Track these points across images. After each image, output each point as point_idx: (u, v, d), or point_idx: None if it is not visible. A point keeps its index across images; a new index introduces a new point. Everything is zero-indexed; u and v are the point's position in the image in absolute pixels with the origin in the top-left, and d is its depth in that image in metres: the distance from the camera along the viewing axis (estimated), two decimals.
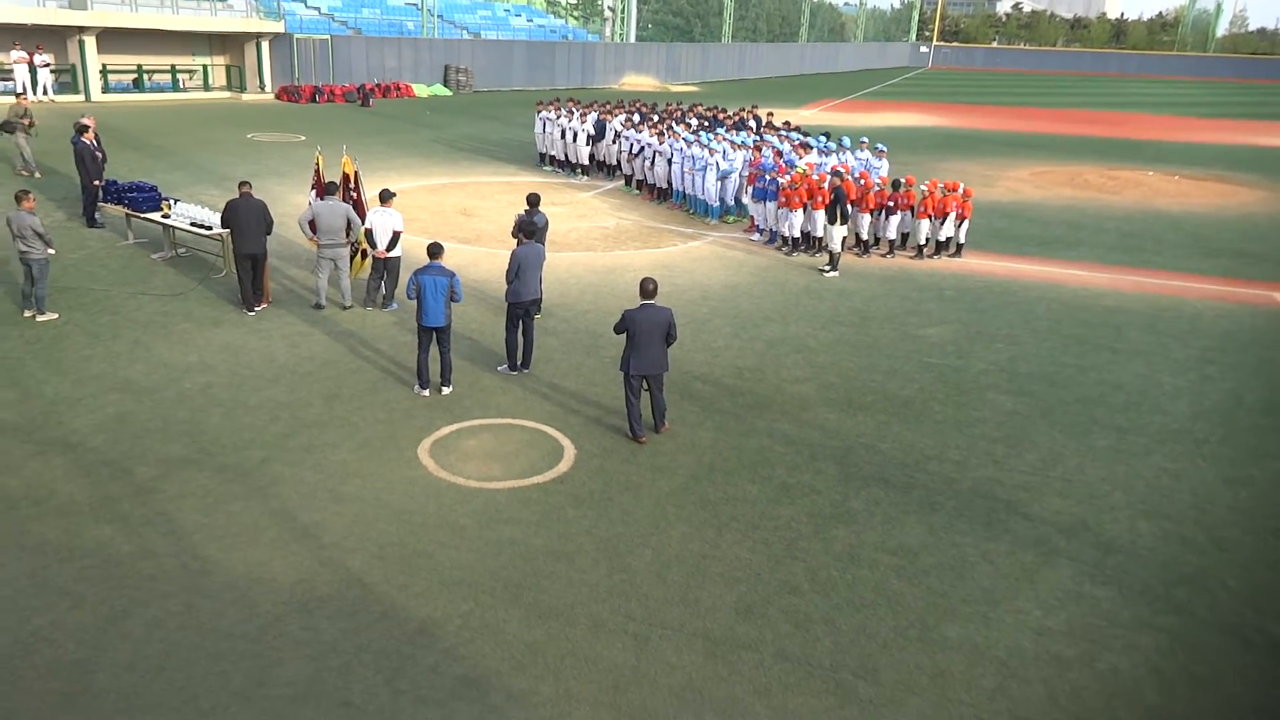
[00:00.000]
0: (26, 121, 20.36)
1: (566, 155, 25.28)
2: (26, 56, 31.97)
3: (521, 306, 11.30)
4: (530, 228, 11.82)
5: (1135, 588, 7.67)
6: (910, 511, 8.71)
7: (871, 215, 17.92)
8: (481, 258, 16.08)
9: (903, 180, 18.01)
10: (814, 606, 7.22)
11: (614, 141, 24.31)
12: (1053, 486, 9.31)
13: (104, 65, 34.96)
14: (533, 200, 13.38)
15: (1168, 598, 7.55)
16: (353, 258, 13.80)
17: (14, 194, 12.46)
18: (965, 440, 10.28)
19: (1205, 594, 7.63)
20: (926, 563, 7.89)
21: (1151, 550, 8.23)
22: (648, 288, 9.68)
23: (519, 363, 11.51)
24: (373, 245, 13.21)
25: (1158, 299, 16.13)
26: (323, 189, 13.75)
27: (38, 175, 20.47)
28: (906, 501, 8.90)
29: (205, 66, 39.41)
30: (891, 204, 17.79)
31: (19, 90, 31.17)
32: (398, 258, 13.42)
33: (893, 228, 18.01)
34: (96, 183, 16.70)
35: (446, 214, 19.87)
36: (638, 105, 27.46)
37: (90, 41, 33.76)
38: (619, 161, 24.07)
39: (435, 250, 10.65)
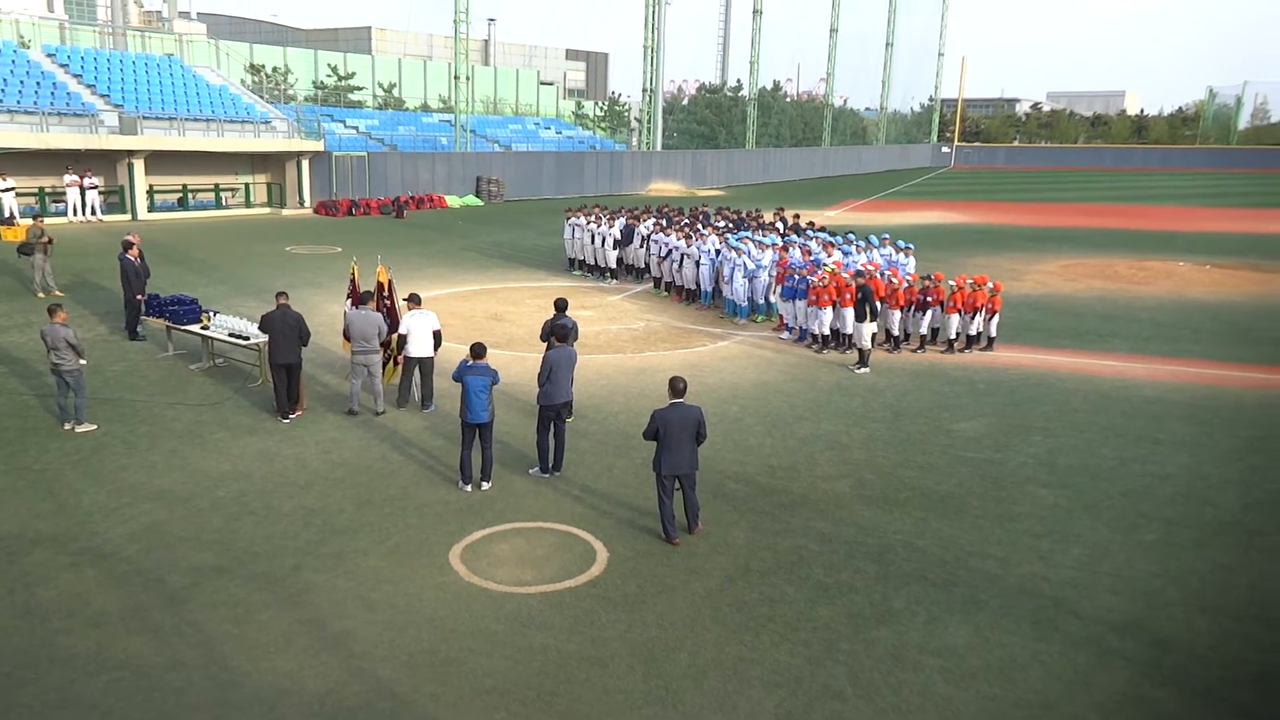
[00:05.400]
0: (45, 240, 20.75)
1: (595, 260, 25.73)
2: (78, 179, 33.37)
3: (553, 409, 11.33)
4: (562, 331, 11.95)
5: (1196, 689, 7.31)
6: (954, 610, 8.44)
7: (902, 311, 17.95)
8: (512, 361, 16.21)
9: (932, 276, 18.09)
10: (857, 712, 6.94)
11: (642, 245, 24.73)
12: (1102, 583, 9.00)
13: (151, 186, 36.31)
14: (560, 305, 13.58)
15: (1231, 699, 7.19)
16: (385, 364, 13.99)
17: (47, 308, 12.86)
18: (1007, 535, 10.02)
19: (1272, 694, 7.25)
20: (974, 664, 7.60)
21: (1211, 649, 7.88)
22: (678, 386, 9.69)
23: (550, 465, 11.47)
24: (400, 349, 13.46)
25: (1197, 389, 15.86)
26: (358, 298, 14.05)
27: (57, 293, 20.78)
28: (949, 600, 8.63)
29: (247, 184, 40.82)
30: (922, 299, 17.84)
31: (55, 212, 32.60)
32: (431, 358, 13.62)
33: (923, 323, 18.01)
34: (139, 297, 17.15)
35: (477, 319, 20.15)
36: (665, 209, 28.01)
37: (139, 164, 35.19)
38: (647, 264, 24.45)
39: (479, 350, 10.87)
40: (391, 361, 14.16)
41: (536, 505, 10.60)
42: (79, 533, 9.65)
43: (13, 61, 36.09)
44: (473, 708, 6.91)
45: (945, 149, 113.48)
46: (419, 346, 13.45)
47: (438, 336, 13.53)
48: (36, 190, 33.35)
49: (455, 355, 16.03)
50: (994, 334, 18.27)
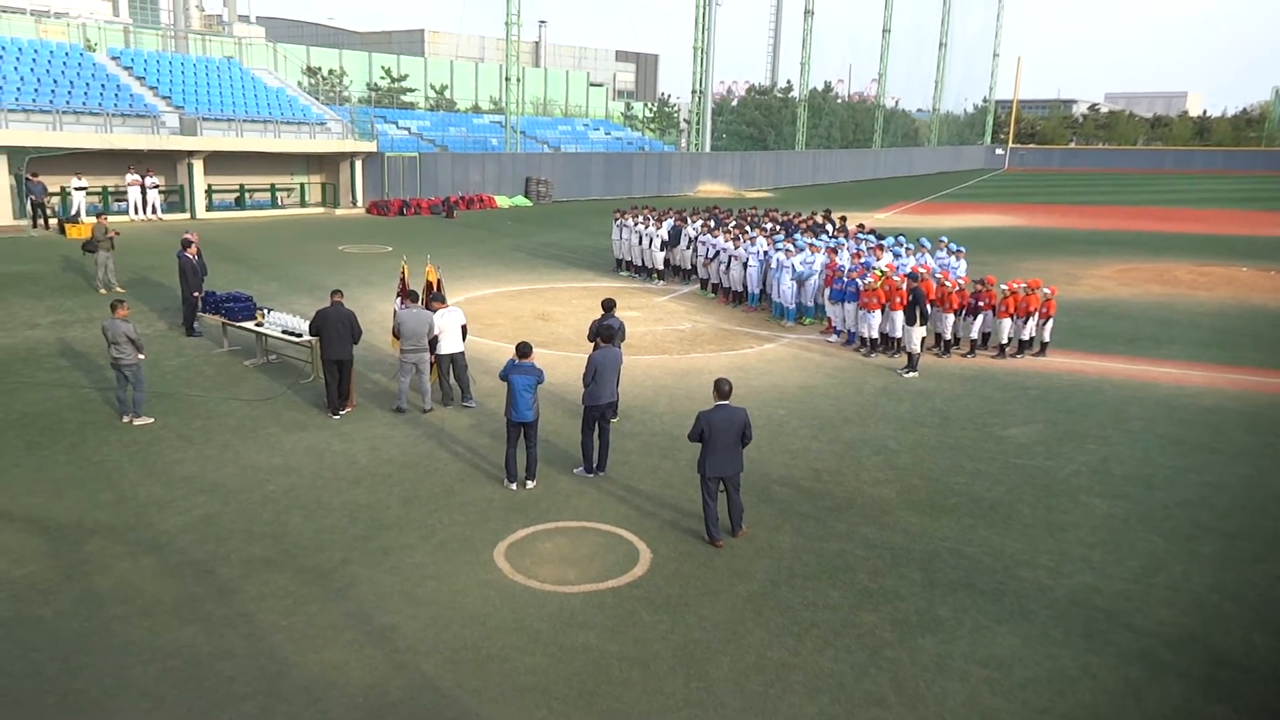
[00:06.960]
0: (111, 235, 21.46)
1: (643, 260, 25.76)
2: (139, 179, 34.25)
3: (598, 409, 11.35)
4: (608, 332, 11.97)
5: (1252, 706, 7.11)
6: (1002, 620, 8.31)
7: (955, 315, 17.71)
8: (558, 361, 16.29)
9: (984, 279, 17.82)
10: None
11: (689, 247, 24.71)
12: (1156, 596, 8.79)
13: (209, 185, 37.17)
14: (607, 305, 13.61)
15: None
16: (432, 363, 14.16)
17: (109, 304, 13.24)
18: (1057, 545, 9.83)
19: None
20: (1021, 676, 7.46)
21: (1269, 665, 7.66)
22: (723, 388, 9.66)
23: (595, 465, 11.50)
24: (433, 350, 13.68)
25: (1258, 397, 15.43)
26: (407, 296, 14.25)
27: (118, 289, 21.34)
28: (997, 609, 8.49)
29: (302, 184, 41.55)
30: (973, 303, 17.58)
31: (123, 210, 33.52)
32: (462, 352, 13.82)
33: (975, 327, 17.76)
34: (196, 294, 17.54)
35: (525, 319, 20.28)
36: (714, 210, 27.95)
37: (198, 164, 36.03)
38: (694, 266, 24.42)
39: (524, 350, 10.94)
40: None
41: (580, 505, 10.64)
42: (135, 523, 9.90)
43: (79, 64, 37.13)
44: (514, 705, 6.96)
45: (999, 151, 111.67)
46: (450, 343, 13.74)
47: (464, 330, 13.88)
48: (100, 189, 34.29)
49: (501, 354, 16.18)
50: (1047, 339, 17.94)
